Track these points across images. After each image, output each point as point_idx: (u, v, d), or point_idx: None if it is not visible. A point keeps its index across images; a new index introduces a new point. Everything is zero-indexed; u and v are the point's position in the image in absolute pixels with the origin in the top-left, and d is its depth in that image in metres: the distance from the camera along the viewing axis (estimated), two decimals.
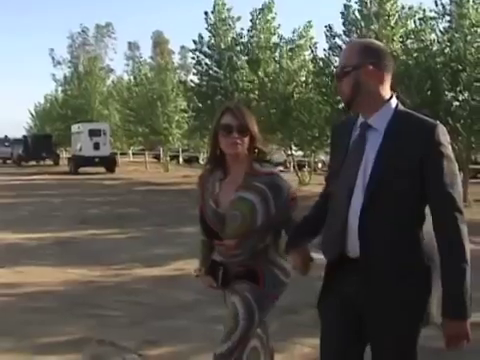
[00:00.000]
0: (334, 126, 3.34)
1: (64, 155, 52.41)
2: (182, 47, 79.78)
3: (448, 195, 2.62)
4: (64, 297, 7.39)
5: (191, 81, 29.16)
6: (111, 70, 54.80)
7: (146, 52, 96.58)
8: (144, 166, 41.81)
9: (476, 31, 18.02)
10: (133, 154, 54.00)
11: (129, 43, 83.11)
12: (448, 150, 2.66)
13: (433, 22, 18.99)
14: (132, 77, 41.29)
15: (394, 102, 2.76)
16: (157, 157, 48.15)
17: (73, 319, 6.37)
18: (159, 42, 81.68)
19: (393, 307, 2.66)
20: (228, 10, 27.65)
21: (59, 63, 75.97)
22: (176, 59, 62.54)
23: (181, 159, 47.90)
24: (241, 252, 3.30)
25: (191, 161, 47.33)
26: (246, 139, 3.24)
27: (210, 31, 27.68)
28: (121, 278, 8.33)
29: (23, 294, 7.49)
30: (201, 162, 45.93)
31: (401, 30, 20.18)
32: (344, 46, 3.74)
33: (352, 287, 2.72)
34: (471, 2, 18.13)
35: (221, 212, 3.27)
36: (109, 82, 49.42)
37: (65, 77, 53.13)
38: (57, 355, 5.32)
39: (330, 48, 21.61)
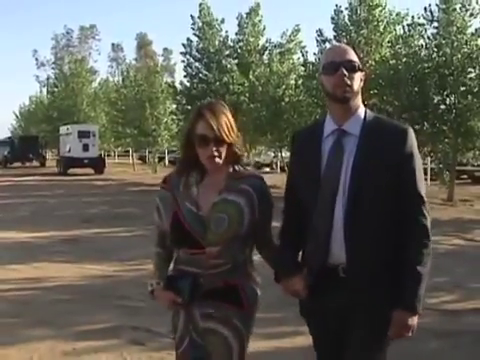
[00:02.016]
0: (296, 133, 3.20)
1: (50, 156, 52.50)
2: (165, 49, 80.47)
3: (419, 197, 2.75)
4: (88, 290, 7.83)
5: (180, 84, 29.54)
6: (95, 72, 54.77)
7: (130, 54, 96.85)
8: (130, 167, 42.13)
9: (462, 38, 18.70)
10: (118, 156, 54.26)
11: (113, 44, 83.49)
12: (417, 152, 2.78)
13: (421, 28, 19.64)
14: (120, 79, 41.57)
15: (363, 108, 2.85)
16: (142, 158, 48.44)
17: (103, 309, 6.83)
18: (143, 44, 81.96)
19: (382, 308, 2.71)
20: (210, 14, 28.18)
21: (43, 64, 76.05)
22: (159, 61, 62.62)
23: (167, 161, 48.20)
24: (224, 261, 2.97)
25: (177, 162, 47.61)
26: (224, 148, 2.97)
27: (197, 35, 28.17)
28: (138, 272, 8.72)
29: (49, 287, 7.94)
30: None
31: (389, 35, 20.83)
32: (334, 44, 3.72)
33: (335, 299, 2.75)
34: (458, 10, 18.84)
35: (204, 216, 2.96)
36: (96, 84, 49.56)
37: (48, 78, 53.14)
38: (97, 340, 5.79)
39: (321, 52, 22.15)
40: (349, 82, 2.73)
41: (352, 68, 2.76)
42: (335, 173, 2.74)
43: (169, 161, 48.20)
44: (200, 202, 2.98)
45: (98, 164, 36.03)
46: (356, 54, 2.85)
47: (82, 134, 36.40)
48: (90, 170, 35.90)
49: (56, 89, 48.78)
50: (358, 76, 2.78)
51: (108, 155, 52.77)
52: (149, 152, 43.01)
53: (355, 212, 2.69)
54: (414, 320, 2.71)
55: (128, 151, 50.90)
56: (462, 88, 18.78)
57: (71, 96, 45.50)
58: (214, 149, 2.93)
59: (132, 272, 8.85)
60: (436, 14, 19.34)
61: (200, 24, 27.79)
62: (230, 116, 3.00)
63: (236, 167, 3.05)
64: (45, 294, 7.58)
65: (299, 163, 2.95)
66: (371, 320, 2.71)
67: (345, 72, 2.73)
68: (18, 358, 5.33)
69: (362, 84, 2.81)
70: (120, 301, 7.16)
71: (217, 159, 2.95)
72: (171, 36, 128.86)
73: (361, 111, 2.82)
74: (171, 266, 3.15)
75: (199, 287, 2.93)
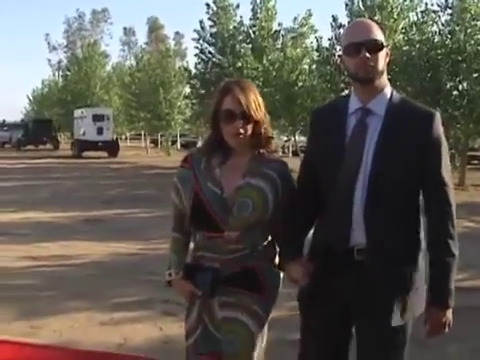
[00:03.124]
0: (317, 111, 3.12)
1: (63, 139, 52.95)
2: (176, 33, 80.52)
3: (443, 185, 2.65)
4: (117, 266, 8.22)
5: (195, 67, 29.84)
6: (107, 55, 55.10)
7: (141, 38, 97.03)
8: (143, 150, 42.58)
9: (476, 24, 18.99)
10: (130, 139, 54.74)
11: (124, 29, 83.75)
12: (444, 139, 2.68)
13: (435, 15, 19.87)
14: (134, 63, 41.92)
15: (389, 88, 2.74)
16: (154, 142, 48.87)
17: (134, 284, 7.22)
18: (154, 27, 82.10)
19: (398, 292, 2.63)
20: None
21: (55, 48, 76.38)
22: (171, 45, 62.89)
23: (179, 144, 48.58)
24: (242, 247, 2.86)
25: (189, 146, 48.05)
26: (250, 126, 2.85)
27: (212, 19, 28.44)
28: (162, 251, 8.97)
29: (79, 264, 8.32)
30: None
31: (403, 22, 21.05)
32: (357, 20, 3.46)
33: (346, 283, 2.66)
34: None
35: (227, 199, 2.84)
36: (108, 67, 49.95)
37: (59, 62, 53.53)
38: (132, 312, 6.17)
39: (335, 37, 22.40)
40: (372, 63, 2.60)
41: (375, 48, 2.62)
42: (358, 152, 2.64)
43: (181, 145, 48.70)
44: (223, 184, 2.86)
45: (112, 147, 36.43)
46: (381, 28, 2.71)
47: (97, 117, 36.80)
48: (104, 153, 36.35)
49: (69, 73, 49.15)
50: (382, 55, 2.65)
51: (121, 138, 53.20)
52: (161, 136, 43.43)
53: (375, 192, 2.59)
54: (449, 315, 2.64)
55: (140, 134, 51.34)
56: (475, 75, 19.04)
57: (84, 79, 45.92)
58: (240, 125, 2.81)
59: (156, 250, 9.19)
60: (450, 1, 19.59)
61: (215, 8, 28.03)
62: (258, 94, 2.89)
63: (261, 150, 2.93)
64: (77, 270, 7.97)
65: (320, 139, 2.81)
66: (384, 305, 2.61)
67: (367, 54, 2.59)
68: (59, 326, 5.68)
69: (388, 60, 2.68)
70: (149, 276, 7.50)
71: (243, 136, 2.84)
72: (183, 20, 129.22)
73: (387, 90, 2.71)
74: (190, 252, 3.04)
75: (217, 280, 2.84)
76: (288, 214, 2.87)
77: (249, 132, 2.85)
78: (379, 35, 2.66)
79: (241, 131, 2.82)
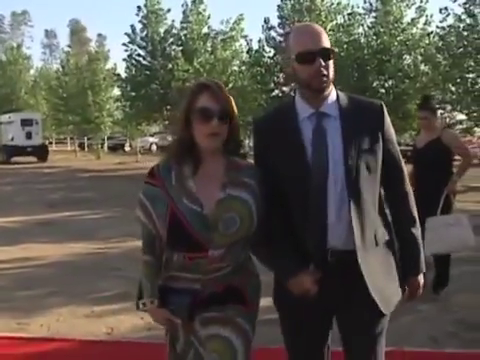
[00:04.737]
0: (260, 121, 3.00)
1: None
2: (99, 35, 79.81)
3: (402, 168, 2.80)
4: (82, 265, 8.51)
5: (125, 71, 29.95)
6: (28, 58, 54.24)
7: (63, 40, 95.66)
8: (71, 154, 42.32)
9: (399, 26, 20.07)
10: (55, 143, 54.05)
11: (46, 31, 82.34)
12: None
13: (360, 18, 20.92)
14: (60, 66, 41.58)
15: (333, 87, 2.71)
16: (81, 145, 48.51)
17: (104, 280, 7.57)
18: (76, 30, 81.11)
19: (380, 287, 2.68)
20: (158, 2, 28.76)
21: None
22: (94, 47, 62.35)
23: (106, 147, 48.36)
24: (226, 264, 2.66)
25: (116, 149, 47.99)
26: (226, 127, 2.64)
27: (143, 23, 28.66)
28: (122, 249, 9.48)
29: (45, 264, 8.58)
30: (126, 149, 46.75)
31: (330, 24, 21.99)
32: (306, 25, 2.73)
33: (330, 285, 2.64)
34: (394, 1, 20.22)
35: (208, 215, 2.59)
36: (32, 71, 49.27)
37: None
38: (111, 305, 6.54)
39: (266, 39, 23.14)
40: (325, 72, 2.58)
41: (328, 56, 2.60)
42: (323, 155, 2.61)
43: (108, 147, 48.52)
44: (201, 199, 2.61)
45: (42, 152, 35.95)
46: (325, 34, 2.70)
47: (25, 122, 36.23)
48: (32, 158, 35.76)
49: None
50: (332, 62, 2.63)
51: (49, 143, 52.51)
52: (88, 139, 43.23)
53: (351, 191, 2.60)
54: (422, 279, 2.83)
55: (66, 138, 50.81)
56: (399, 73, 20.14)
57: (9, 84, 45.08)
58: (217, 125, 2.59)
59: (115, 249, 9.60)
60: (375, 4, 20.67)
61: (145, 12, 28.28)
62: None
63: (232, 157, 2.74)
64: (44, 270, 8.23)
65: (277, 150, 2.71)
66: (368, 297, 2.63)
67: (322, 62, 2.57)
68: (45, 321, 5.98)
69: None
70: (116, 272, 7.87)
71: (220, 138, 2.63)
72: (105, 22, 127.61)
73: (333, 91, 2.70)
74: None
75: (198, 304, 2.67)
76: (272, 230, 2.73)
77: (225, 134, 2.65)
78: (328, 42, 2.65)
79: (218, 131, 2.61)
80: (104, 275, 7.81)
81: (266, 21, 23.19)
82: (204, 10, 27.65)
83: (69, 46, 63.13)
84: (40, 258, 8.98)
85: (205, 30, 27.74)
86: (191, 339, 2.74)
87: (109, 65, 38.06)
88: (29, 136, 35.91)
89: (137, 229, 2.89)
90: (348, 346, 2.79)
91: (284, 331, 2.90)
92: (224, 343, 2.66)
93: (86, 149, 47.52)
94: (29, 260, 8.86)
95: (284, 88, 23.87)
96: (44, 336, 5.54)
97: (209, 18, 27.60)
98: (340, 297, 2.67)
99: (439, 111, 19.89)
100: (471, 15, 18.43)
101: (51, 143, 51.02)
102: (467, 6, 18.45)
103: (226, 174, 2.67)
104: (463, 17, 18.62)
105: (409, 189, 2.81)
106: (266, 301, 2.99)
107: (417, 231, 2.80)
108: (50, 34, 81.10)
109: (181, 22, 27.77)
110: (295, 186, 2.65)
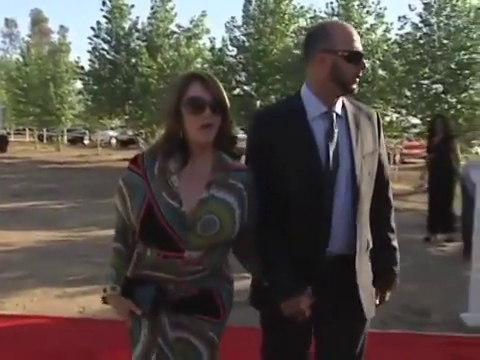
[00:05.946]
0: (262, 115, 2.84)
1: None
2: (61, 26, 79.07)
3: (388, 176, 2.86)
4: (50, 251, 8.84)
5: (89, 65, 30.03)
6: None
7: (24, 30, 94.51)
8: (30, 145, 41.94)
9: (359, 32, 20.66)
10: (14, 134, 53.57)
11: (6, 20, 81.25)
12: None
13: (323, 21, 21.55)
14: (20, 57, 41.29)
15: None
16: (40, 137, 48.21)
17: (73, 265, 7.93)
18: (38, 20, 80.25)
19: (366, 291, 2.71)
20: None
21: None
22: (55, 38, 61.95)
23: (65, 139, 48.14)
24: (203, 267, 2.50)
25: (76, 141, 47.83)
26: (219, 119, 2.47)
27: (107, 17, 28.78)
28: (87, 237, 9.85)
29: (13, 250, 8.87)
30: (86, 142, 46.62)
31: (293, 26, 22.58)
32: (345, 25, 2.40)
33: (321, 287, 2.58)
34: (356, 7, 20.93)
35: (186, 214, 2.44)
36: None
37: None
38: (82, 287, 6.91)
39: (230, 39, 23.61)
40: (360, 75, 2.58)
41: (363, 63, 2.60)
42: (336, 158, 2.57)
43: (68, 140, 48.34)
44: (182, 196, 2.46)
45: (1, 143, 35.65)
46: None
47: None
48: None
49: None
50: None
51: (7, 133, 52.05)
52: (47, 130, 43.03)
53: (357, 198, 2.59)
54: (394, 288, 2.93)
55: (24, 129, 50.42)
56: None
57: None
58: (209, 116, 2.42)
59: (81, 237, 9.95)
60: (336, 9, 21.33)
61: (110, 6, 28.40)
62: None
63: (223, 155, 2.56)
64: (13, 255, 8.55)
65: (282, 152, 2.58)
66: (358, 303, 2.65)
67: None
68: (20, 301, 6.33)
69: None
70: (83, 258, 8.23)
71: (213, 131, 2.46)
72: (67, 13, 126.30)
73: None
74: (130, 267, 2.63)
75: (164, 298, 2.49)
76: (267, 237, 2.62)
77: (217, 126, 2.47)
78: None
79: (211, 122, 2.43)
80: (72, 261, 8.16)
81: (231, 20, 23.66)
82: (172, 8, 27.93)
83: (29, 36, 62.85)
84: (9, 244, 9.26)
85: (172, 27, 28.03)
86: (158, 339, 2.54)
87: (71, 58, 38.11)
88: None
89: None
90: (328, 350, 2.78)
91: (266, 341, 2.89)
92: (193, 350, 2.57)
93: (45, 141, 47.23)
94: None
95: (245, 87, 24.36)
96: (20, 313, 5.91)
97: (176, 16, 27.88)
98: (328, 301, 2.60)
99: (395, 115, 20.77)
100: (428, 24, 19.23)
101: (9, 134, 50.54)
102: (424, 16, 19.25)
103: (213, 173, 2.51)
104: (420, 26, 19.42)
105: (391, 196, 2.88)
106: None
107: (396, 241, 2.87)
108: (10, 23, 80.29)
109: (148, 18, 28.00)
110: (302, 186, 2.56)
